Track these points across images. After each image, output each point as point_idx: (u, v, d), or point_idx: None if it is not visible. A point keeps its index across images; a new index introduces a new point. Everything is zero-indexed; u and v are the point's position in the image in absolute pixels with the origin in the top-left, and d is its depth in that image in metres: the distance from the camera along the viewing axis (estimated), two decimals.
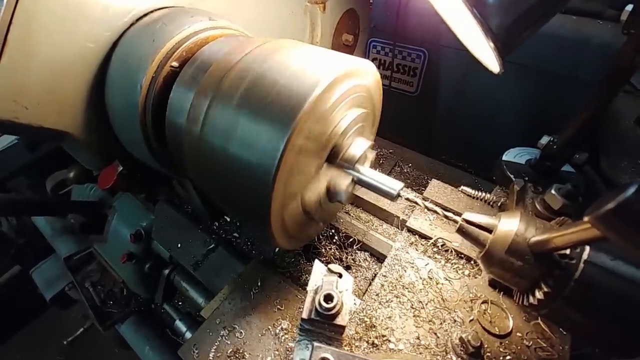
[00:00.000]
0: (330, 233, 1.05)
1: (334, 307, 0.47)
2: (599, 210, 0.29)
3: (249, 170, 0.58)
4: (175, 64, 0.72)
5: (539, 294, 0.48)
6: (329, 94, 0.59)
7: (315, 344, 0.42)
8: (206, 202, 1.04)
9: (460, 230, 0.61)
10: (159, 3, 0.79)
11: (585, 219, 0.30)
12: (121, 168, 0.81)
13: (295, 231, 0.72)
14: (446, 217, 0.67)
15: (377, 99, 0.80)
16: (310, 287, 0.52)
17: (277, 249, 1.01)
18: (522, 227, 0.52)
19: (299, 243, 0.84)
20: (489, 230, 0.56)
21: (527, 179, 0.94)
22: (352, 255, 1.03)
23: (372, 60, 2.02)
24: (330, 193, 0.72)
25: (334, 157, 0.67)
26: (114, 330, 1.48)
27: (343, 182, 0.71)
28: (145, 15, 0.77)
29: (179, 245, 1.08)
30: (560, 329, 0.71)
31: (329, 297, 0.48)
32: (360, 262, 1.02)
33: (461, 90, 1.90)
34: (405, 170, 1.84)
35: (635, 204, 0.27)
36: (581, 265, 0.43)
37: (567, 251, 0.46)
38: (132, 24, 0.76)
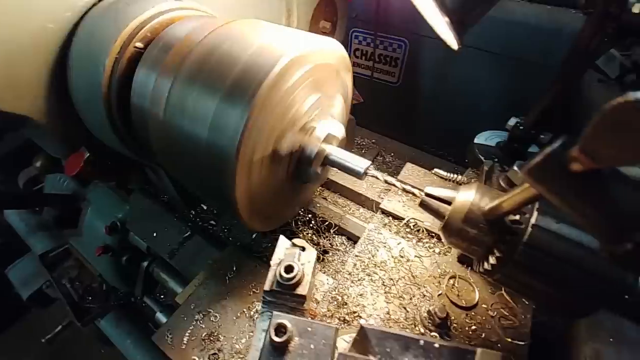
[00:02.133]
0: (307, 218, 1.06)
1: (294, 278, 0.48)
2: (529, 163, 0.30)
3: (213, 150, 0.58)
4: (139, 44, 0.70)
5: (492, 259, 0.50)
6: (291, 72, 0.59)
7: (275, 312, 0.43)
8: (181, 190, 1.03)
9: (422, 204, 0.62)
10: None
11: (519, 174, 0.31)
12: (88, 154, 0.79)
13: (268, 212, 0.72)
14: (405, 190, 0.68)
15: (346, 79, 0.80)
16: (274, 261, 0.52)
17: (254, 235, 1.01)
18: (477, 197, 0.54)
19: (273, 225, 0.84)
20: (449, 203, 0.58)
21: (496, 160, 0.96)
22: (329, 240, 1.04)
23: (354, 51, 2.03)
24: (300, 162, 0.70)
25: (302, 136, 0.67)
26: (94, 326, 1.46)
27: (312, 151, 0.70)
28: None
29: (155, 234, 1.06)
30: (523, 300, 0.73)
31: (289, 268, 0.49)
32: (337, 245, 1.03)
33: (442, 79, 1.93)
34: (387, 159, 1.86)
35: (561, 156, 0.28)
36: (529, 229, 0.45)
37: (517, 217, 0.47)
38: (94, 4, 0.74)
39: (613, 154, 0.24)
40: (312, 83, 0.66)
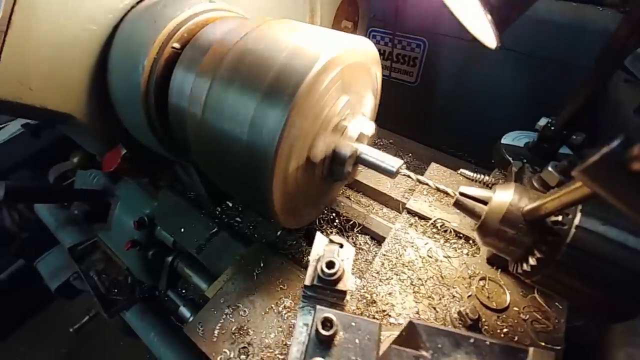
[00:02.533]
0: (331, 217, 1.07)
1: (335, 273, 0.49)
2: (585, 163, 0.30)
3: (251, 149, 0.59)
4: (176, 45, 0.72)
5: (532, 260, 0.49)
6: (327, 73, 0.59)
7: (318, 307, 0.44)
8: (209, 187, 1.05)
9: (457, 203, 0.62)
10: None
11: (574, 173, 0.31)
12: (125, 151, 0.82)
13: (298, 210, 0.74)
14: (438, 189, 0.68)
15: (377, 75, 0.80)
16: (313, 257, 0.53)
17: (279, 232, 1.03)
18: (516, 197, 0.53)
19: (301, 223, 0.85)
20: (485, 202, 0.57)
21: (525, 160, 0.95)
22: (352, 239, 1.05)
23: None
24: (334, 162, 0.71)
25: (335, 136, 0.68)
26: (119, 318, 1.51)
27: (346, 151, 0.71)
28: None
29: (182, 230, 1.09)
30: (556, 304, 0.72)
31: (330, 264, 0.50)
32: (360, 245, 1.04)
33: (461, 79, 1.90)
34: (404, 159, 1.85)
35: (619, 156, 0.28)
36: (572, 230, 0.45)
37: (559, 218, 0.47)
38: (132, 7, 0.76)
39: None
40: (345, 82, 0.66)
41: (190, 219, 1.10)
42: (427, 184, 0.70)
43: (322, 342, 0.41)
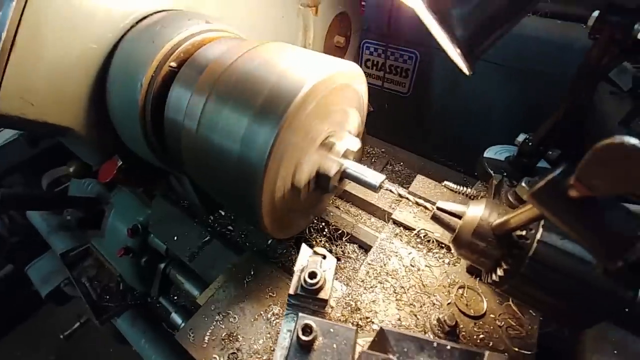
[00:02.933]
0: (321, 226, 1.10)
1: (317, 283, 0.53)
2: (533, 188, 0.34)
3: (242, 163, 0.63)
4: (173, 64, 0.76)
5: (500, 272, 0.54)
6: (314, 95, 0.64)
7: (300, 314, 0.47)
8: (202, 197, 1.08)
9: (434, 217, 0.66)
10: (158, 6, 0.84)
11: (524, 196, 0.36)
12: (121, 162, 0.85)
13: (286, 221, 0.77)
14: (417, 203, 0.73)
15: (362, 94, 0.85)
16: (297, 267, 0.57)
17: (269, 241, 1.06)
18: (486, 212, 0.58)
19: (290, 233, 0.89)
20: (459, 217, 0.62)
21: (505, 174, 1.00)
22: (341, 248, 1.08)
23: (365, 62, 2.09)
24: (319, 177, 0.76)
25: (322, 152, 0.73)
26: (110, 324, 1.52)
27: (331, 167, 0.75)
28: (145, 17, 0.82)
29: (176, 238, 1.12)
30: (530, 312, 0.77)
31: (312, 274, 0.54)
32: (349, 253, 1.08)
33: (452, 90, 1.97)
34: (396, 168, 1.90)
35: (560, 183, 0.33)
36: (534, 244, 0.49)
37: (524, 232, 0.52)
38: (132, 26, 0.80)
39: (605, 185, 0.28)
40: (331, 103, 0.71)
41: (184, 228, 1.13)
42: (407, 198, 0.75)
43: (302, 347, 0.45)
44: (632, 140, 0.25)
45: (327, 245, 1.08)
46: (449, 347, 0.39)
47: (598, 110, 1.33)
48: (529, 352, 0.72)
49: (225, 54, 0.71)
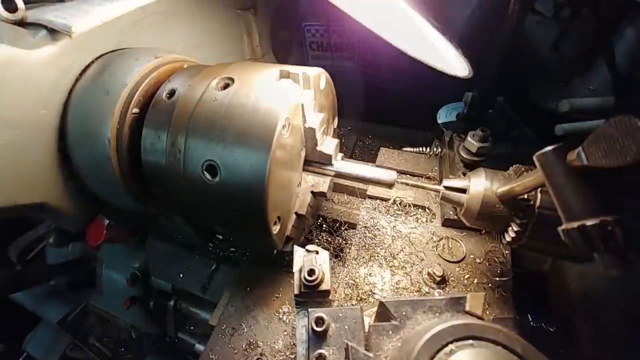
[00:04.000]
0: (319, 222, 1.13)
1: (317, 278, 0.58)
2: (541, 150, 0.40)
3: (241, 190, 0.63)
4: (136, 110, 0.73)
5: (513, 229, 0.61)
6: (295, 112, 0.65)
7: (310, 309, 0.53)
8: (195, 227, 1.07)
9: (443, 197, 0.73)
10: (96, 52, 0.79)
11: (534, 158, 0.42)
12: (107, 221, 0.82)
13: (294, 234, 0.80)
14: (423, 187, 0.78)
15: (332, 93, 0.87)
16: (295, 268, 0.62)
17: (275, 251, 1.08)
18: (488, 183, 0.65)
19: (298, 241, 0.91)
20: (464, 191, 0.68)
21: (461, 130, 1.08)
22: (343, 237, 1.13)
23: (310, 44, 2.06)
24: (316, 194, 0.80)
25: (310, 162, 0.75)
26: None
27: (325, 181, 0.80)
28: (87, 67, 0.76)
29: (181, 275, 1.11)
30: (501, 242, 0.88)
31: (311, 272, 0.58)
32: (351, 240, 1.12)
33: (397, 54, 2.00)
34: (367, 143, 1.94)
35: (566, 150, 0.38)
36: (539, 195, 0.58)
37: (525, 196, 0.59)
38: (76, 80, 0.75)
39: (603, 158, 0.34)
40: (310, 112, 0.72)
41: (186, 262, 1.12)
42: (416, 186, 0.80)
43: (319, 337, 0.51)
44: (635, 119, 0.30)
45: (329, 239, 1.12)
46: (438, 300, 0.46)
47: (529, 41, 1.41)
48: (507, 278, 0.84)
49: (189, 90, 0.69)
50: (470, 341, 0.35)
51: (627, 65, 1.11)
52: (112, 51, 0.81)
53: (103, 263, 1.28)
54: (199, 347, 1.36)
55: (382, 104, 2.22)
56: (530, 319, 0.95)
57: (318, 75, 0.74)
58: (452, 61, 0.75)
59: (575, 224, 0.39)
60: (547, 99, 1.39)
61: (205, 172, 0.65)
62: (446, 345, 0.35)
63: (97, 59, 0.78)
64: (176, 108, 0.68)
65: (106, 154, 0.71)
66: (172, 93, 0.71)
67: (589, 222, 0.37)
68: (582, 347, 0.85)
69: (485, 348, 0.34)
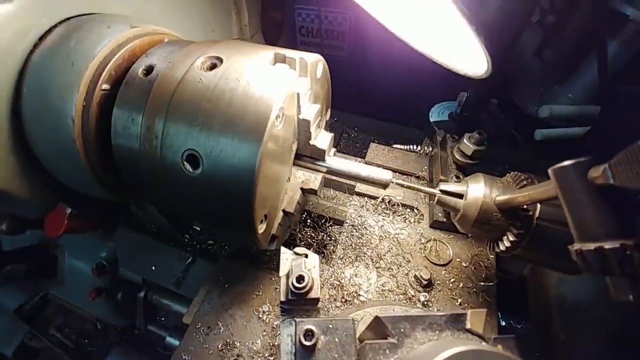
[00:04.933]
0: (303, 217, 1.09)
1: (306, 285, 0.54)
2: (559, 164, 0.37)
3: (226, 185, 0.57)
4: (106, 86, 0.64)
5: (507, 242, 0.59)
6: (289, 102, 0.58)
7: (297, 319, 0.49)
8: (171, 218, 0.99)
9: (439, 202, 0.70)
10: (61, 14, 0.68)
11: (549, 171, 0.39)
12: (70, 210, 0.73)
13: (279, 232, 0.74)
14: (421, 190, 0.75)
15: (327, 82, 0.81)
16: (282, 273, 0.57)
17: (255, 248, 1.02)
18: (487, 190, 0.63)
19: (282, 240, 0.86)
20: (460, 196, 0.65)
21: (453, 131, 1.06)
22: (327, 233, 1.09)
23: (300, 29, 1.97)
24: (306, 191, 0.75)
25: (301, 156, 0.69)
26: None
27: (316, 178, 0.75)
28: (49, 31, 0.66)
29: (154, 267, 1.03)
30: (487, 248, 0.89)
31: (300, 278, 0.54)
32: (336, 236, 1.09)
33: (390, 47, 1.96)
34: (352, 135, 1.90)
35: (587, 166, 0.35)
36: (539, 207, 0.56)
37: (525, 206, 0.57)
38: (35, 45, 0.64)
39: (630, 179, 0.31)
40: (304, 103, 0.66)
41: (160, 255, 1.04)
42: (412, 188, 0.76)
43: (307, 350, 0.47)
44: None
45: (313, 234, 1.07)
46: (438, 317, 0.44)
47: (514, 46, 1.41)
48: (492, 283, 0.84)
49: (170, 67, 0.61)
50: None
51: (610, 77, 1.13)
52: (80, 15, 0.70)
53: (65, 251, 1.18)
54: (170, 340, 1.30)
55: (371, 97, 2.18)
56: (503, 322, 0.97)
57: (315, 62, 0.68)
58: (464, 59, 0.71)
59: (592, 246, 0.36)
60: (528, 104, 1.40)
61: (185, 163, 0.58)
62: None
63: (61, 23, 0.68)
64: (154, 87, 0.59)
65: (70, 135, 0.62)
66: (149, 69, 0.63)
67: (608, 245, 0.35)
68: (557, 351, 0.87)
69: None
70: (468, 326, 0.43)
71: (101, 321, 1.34)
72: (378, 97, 2.16)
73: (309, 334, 0.47)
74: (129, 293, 1.23)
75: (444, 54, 0.83)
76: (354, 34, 1.94)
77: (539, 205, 0.56)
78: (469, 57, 0.69)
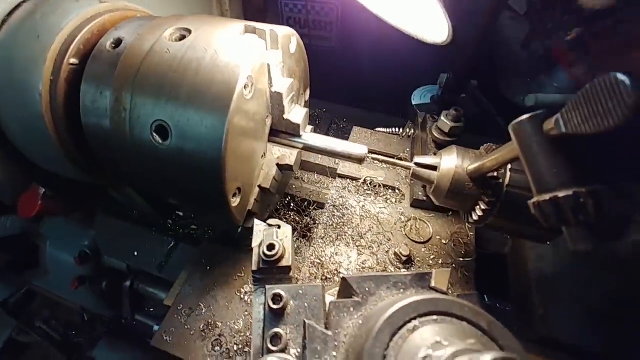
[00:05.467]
0: (287, 201, 1.09)
1: (276, 254, 0.54)
2: (517, 119, 0.38)
3: (196, 156, 0.57)
4: (74, 60, 0.63)
5: (482, 207, 0.60)
6: (259, 72, 0.58)
7: (268, 286, 0.49)
8: (152, 202, 0.98)
9: (414, 175, 0.70)
10: None
11: (509, 127, 0.40)
12: (43, 190, 0.72)
13: (256, 209, 0.74)
14: (396, 164, 0.75)
15: (304, 60, 0.80)
16: (255, 243, 0.57)
17: (239, 229, 1.02)
18: (459, 160, 0.63)
19: (261, 218, 0.86)
20: (435, 168, 0.66)
21: (435, 112, 1.06)
22: (311, 217, 1.09)
23: (287, 20, 1.96)
24: (282, 167, 0.75)
25: (277, 132, 0.69)
26: (88, 359, 1.40)
27: (292, 154, 0.74)
28: (17, 7, 0.65)
29: (136, 253, 1.02)
30: (467, 225, 0.89)
31: (271, 246, 0.54)
32: (320, 219, 1.09)
33: (377, 37, 1.96)
34: (341, 126, 1.90)
35: (541, 119, 0.36)
36: (508, 173, 0.56)
37: (495, 174, 0.57)
38: (3, 21, 0.63)
39: (583, 124, 0.31)
40: (277, 76, 0.66)
41: (142, 240, 1.03)
42: (385, 162, 0.76)
43: (276, 315, 0.47)
44: (621, 76, 0.27)
45: (297, 218, 1.07)
46: (402, 276, 0.44)
47: (502, 36, 1.43)
48: (470, 259, 0.85)
49: (140, 39, 0.60)
50: (435, 317, 0.32)
51: None
52: None
53: (47, 240, 1.16)
54: (158, 328, 1.29)
55: (359, 87, 2.17)
56: (487, 299, 0.98)
57: (288, 36, 0.68)
58: (430, 28, 0.71)
59: (547, 196, 0.37)
60: (515, 93, 1.42)
61: (154, 134, 0.57)
62: (409, 321, 0.32)
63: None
64: (122, 59, 0.59)
65: (37, 111, 0.61)
66: (118, 42, 0.62)
67: (561, 194, 0.35)
68: (536, 326, 0.89)
69: (450, 323, 0.32)
70: (433, 284, 0.43)
71: (87, 311, 1.33)
72: (367, 88, 2.16)
73: (277, 298, 0.47)
74: (114, 281, 1.22)
75: (412, 24, 0.83)
76: (341, 24, 1.94)
77: (508, 173, 0.57)
78: (434, 26, 0.68)
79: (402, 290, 0.43)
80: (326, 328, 0.42)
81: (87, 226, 1.15)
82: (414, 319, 0.33)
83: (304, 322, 0.41)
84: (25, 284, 1.36)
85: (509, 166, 0.57)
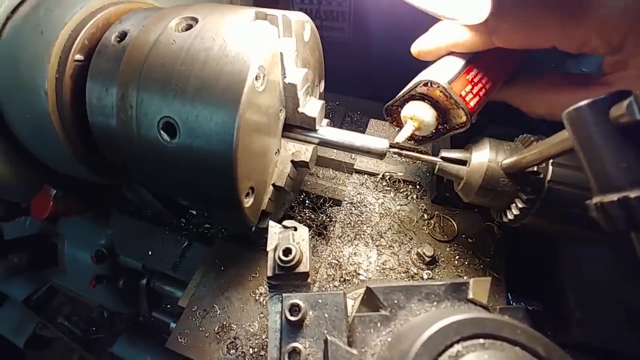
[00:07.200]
0: (301, 198, 1.05)
1: (293, 259, 0.49)
2: (573, 106, 0.32)
3: (205, 154, 0.53)
4: (79, 57, 0.60)
5: (515, 210, 0.54)
6: (271, 62, 0.53)
7: (284, 294, 0.45)
8: (165, 201, 0.96)
9: (441, 171, 0.64)
10: None
11: (563, 115, 0.34)
12: (55, 192, 0.71)
13: (270, 208, 0.70)
14: (420, 159, 0.69)
15: (318, 49, 0.75)
16: (270, 247, 0.53)
17: (253, 228, 0.99)
18: (492, 154, 0.57)
19: (276, 217, 0.83)
20: (464, 162, 0.60)
21: None
22: (326, 214, 1.04)
23: (298, 10, 1.91)
24: (296, 164, 0.70)
25: (291, 127, 0.65)
26: (108, 354, 1.42)
27: (308, 149, 0.70)
28: (22, 3, 0.62)
29: (150, 252, 1.01)
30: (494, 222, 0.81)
31: (287, 251, 0.50)
32: (336, 217, 1.04)
33: (393, 27, 1.88)
34: (355, 118, 1.83)
35: (605, 106, 0.30)
36: (550, 167, 0.50)
37: (535, 168, 0.51)
38: (7, 18, 0.61)
39: None
40: (290, 66, 0.61)
41: (156, 239, 1.02)
42: (409, 157, 0.69)
43: (293, 326, 0.43)
44: None
45: (312, 215, 1.04)
46: (435, 286, 0.39)
47: None
48: (500, 259, 0.78)
49: (146, 31, 0.57)
50: (481, 340, 0.28)
51: None
52: None
53: (65, 239, 1.17)
54: (174, 326, 1.29)
55: (374, 79, 2.10)
56: (510, 298, 0.91)
57: (302, 22, 0.63)
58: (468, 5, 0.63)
59: (615, 196, 0.31)
60: None
61: (162, 132, 0.54)
62: (451, 345, 0.28)
63: None
64: (126, 52, 0.55)
65: (44, 110, 0.59)
66: (122, 36, 0.58)
67: (633, 194, 0.30)
68: (572, 330, 0.82)
69: (500, 349, 0.27)
70: (470, 296, 0.38)
71: (106, 309, 1.34)
72: (380, 79, 2.08)
73: (295, 308, 0.43)
74: (131, 280, 1.22)
75: (448, 5, 0.75)
76: (354, 13, 1.86)
77: (550, 167, 0.51)
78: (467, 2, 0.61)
79: (435, 303, 0.38)
80: (349, 344, 0.38)
81: (103, 225, 1.15)
82: (457, 342, 0.28)
83: (326, 339, 0.37)
84: (47, 282, 1.38)
85: (551, 160, 0.51)
